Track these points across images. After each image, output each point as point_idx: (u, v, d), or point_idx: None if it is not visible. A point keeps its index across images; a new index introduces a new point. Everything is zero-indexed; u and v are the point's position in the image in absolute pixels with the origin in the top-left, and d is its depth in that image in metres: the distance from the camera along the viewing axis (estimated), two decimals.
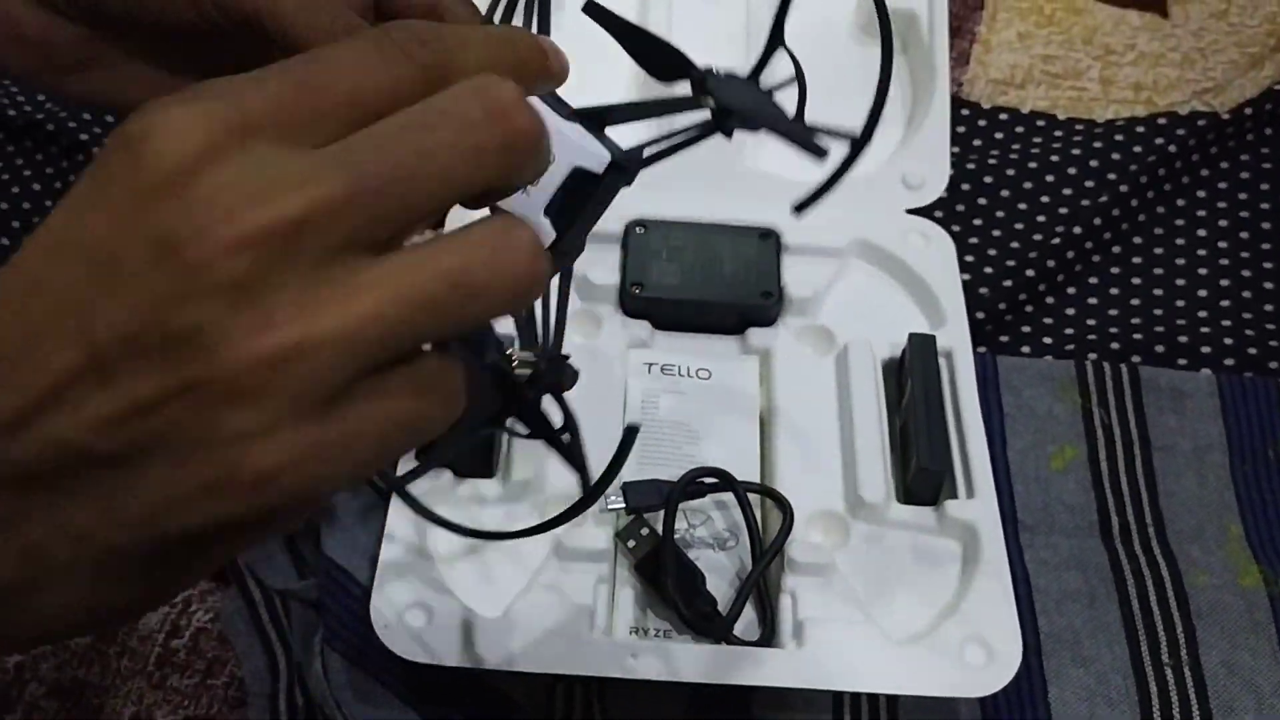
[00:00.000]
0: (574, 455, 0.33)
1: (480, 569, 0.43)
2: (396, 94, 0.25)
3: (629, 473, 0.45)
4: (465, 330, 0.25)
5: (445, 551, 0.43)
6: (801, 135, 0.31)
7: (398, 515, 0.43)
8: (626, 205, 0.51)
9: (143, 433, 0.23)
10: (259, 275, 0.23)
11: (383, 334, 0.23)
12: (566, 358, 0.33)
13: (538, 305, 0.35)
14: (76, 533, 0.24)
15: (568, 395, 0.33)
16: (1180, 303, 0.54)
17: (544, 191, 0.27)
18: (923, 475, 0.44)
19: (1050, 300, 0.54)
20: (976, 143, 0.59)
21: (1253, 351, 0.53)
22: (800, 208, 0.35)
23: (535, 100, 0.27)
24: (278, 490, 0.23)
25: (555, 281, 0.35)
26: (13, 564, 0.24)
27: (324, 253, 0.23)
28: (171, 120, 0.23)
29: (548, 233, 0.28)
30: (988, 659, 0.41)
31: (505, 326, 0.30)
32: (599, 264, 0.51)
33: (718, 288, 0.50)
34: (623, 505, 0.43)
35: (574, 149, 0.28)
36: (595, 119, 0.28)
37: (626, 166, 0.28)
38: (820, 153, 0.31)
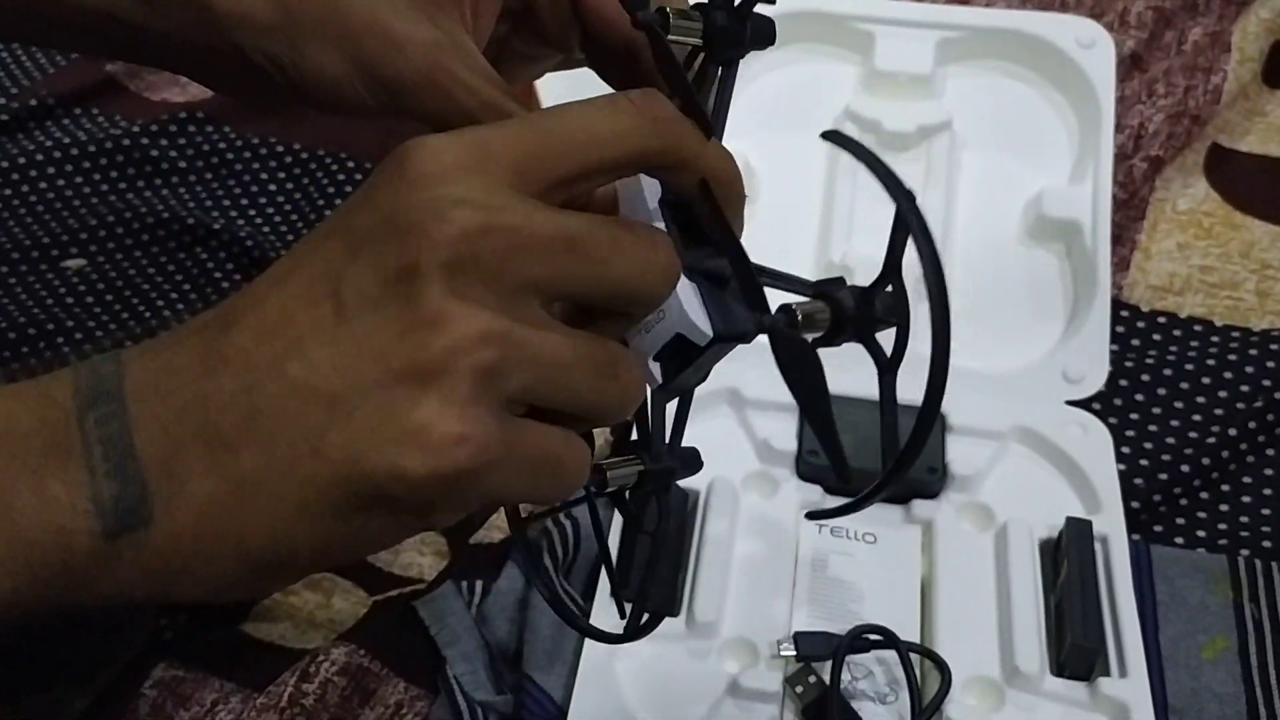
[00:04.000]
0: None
1: (663, 698, 0.48)
2: (624, 138, 0.30)
3: (800, 623, 0.50)
4: (607, 414, 0.31)
5: (632, 682, 0.48)
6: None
7: (592, 643, 0.48)
8: None
9: (363, 378, 0.28)
10: (470, 266, 0.28)
11: (560, 369, 0.29)
12: (695, 453, 0.37)
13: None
14: (287, 460, 0.28)
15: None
16: None
17: (655, 341, 0.32)
18: (1077, 651, 0.47)
19: (1204, 496, 0.57)
20: (1135, 343, 0.63)
21: None
22: (813, 516, 0.39)
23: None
24: (449, 460, 0.27)
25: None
26: (229, 485, 0.28)
27: (524, 282, 0.28)
28: (429, 144, 0.29)
29: (655, 378, 0.33)
30: None
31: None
32: (779, 432, 0.56)
33: None
34: (794, 652, 0.47)
35: (680, 316, 0.31)
36: (719, 280, 0.32)
37: (727, 340, 0.32)
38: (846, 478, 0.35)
